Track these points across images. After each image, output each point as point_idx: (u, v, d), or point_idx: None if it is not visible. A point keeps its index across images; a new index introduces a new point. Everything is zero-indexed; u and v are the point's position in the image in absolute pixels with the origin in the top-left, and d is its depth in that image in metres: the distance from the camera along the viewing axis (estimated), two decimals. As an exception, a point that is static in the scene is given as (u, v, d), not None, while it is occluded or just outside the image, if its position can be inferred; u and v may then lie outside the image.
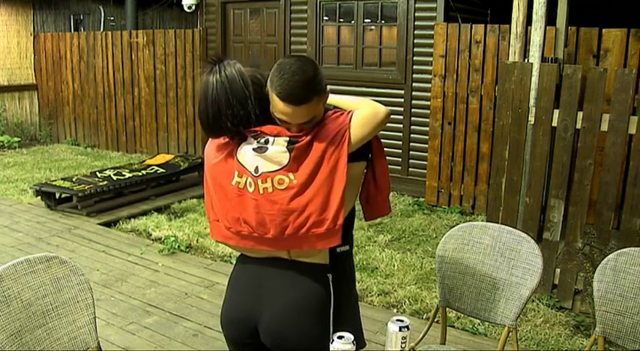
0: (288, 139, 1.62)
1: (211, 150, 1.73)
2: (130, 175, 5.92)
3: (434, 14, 5.82)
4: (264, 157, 1.61)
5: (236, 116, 1.59)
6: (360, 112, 1.66)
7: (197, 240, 4.78)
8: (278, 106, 1.59)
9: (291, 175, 1.60)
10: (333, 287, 1.71)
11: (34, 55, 9.14)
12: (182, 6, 7.96)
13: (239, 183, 1.65)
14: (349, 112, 1.66)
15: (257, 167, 1.62)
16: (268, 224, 1.63)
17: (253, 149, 1.63)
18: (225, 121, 1.60)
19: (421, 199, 5.95)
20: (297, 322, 1.66)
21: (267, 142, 1.62)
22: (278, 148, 1.61)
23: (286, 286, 1.68)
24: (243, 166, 1.64)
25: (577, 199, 3.52)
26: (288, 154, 1.60)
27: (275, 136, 1.63)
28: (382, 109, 1.67)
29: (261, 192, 1.61)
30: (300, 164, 1.60)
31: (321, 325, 1.69)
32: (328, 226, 1.60)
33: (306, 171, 1.59)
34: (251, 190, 1.63)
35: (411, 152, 6.14)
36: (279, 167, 1.60)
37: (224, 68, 1.60)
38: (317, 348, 1.67)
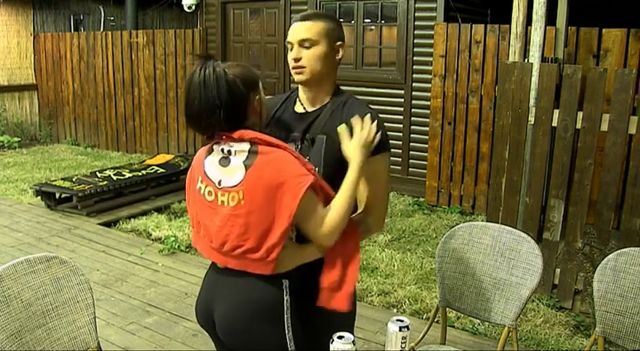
0: (249, 148, 1.58)
1: (200, 149, 1.76)
2: (130, 175, 5.92)
3: (434, 14, 5.82)
4: (225, 171, 1.60)
5: (203, 120, 1.58)
6: (318, 216, 1.58)
7: (197, 240, 4.78)
8: (289, 33, 1.76)
9: (241, 194, 1.57)
10: (290, 292, 1.66)
11: (34, 55, 9.14)
12: (182, 6, 7.97)
13: (200, 189, 1.67)
14: (313, 182, 1.55)
15: (220, 180, 1.61)
16: (213, 234, 1.65)
17: (218, 161, 1.62)
18: (195, 122, 1.62)
19: (421, 199, 5.95)
20: (242, 323, 1.65)
21: (229, 153, 1.60)
22: (237, 162, 1.58)
23: (236, 287, 1.67)
24: (208, 177, 1.65)
25: (577, 199, 3.52)
26: (244, 170, 1.57)
27: (239, 141, 1.59)
28: (325, 235, 1.58)
29: (219, 203, 1.61)
30: (252, 186, 1.56)
31: (269, 328, 1.65)
32: (261, 256, 1.58)
33: (256, 198, 1.56)
34: (210, 199, 1.64)
35: (411, 152, 6.15)
36: (235, 184, 1.58)
37: (205, 69, 1.57)
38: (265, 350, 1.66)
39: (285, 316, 1.65)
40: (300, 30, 1.73)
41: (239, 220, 1.58)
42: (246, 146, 1.59)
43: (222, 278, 1.70)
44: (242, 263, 1.63)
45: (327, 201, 1.62)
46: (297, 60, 1.73)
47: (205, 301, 1.76)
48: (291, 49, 1.75)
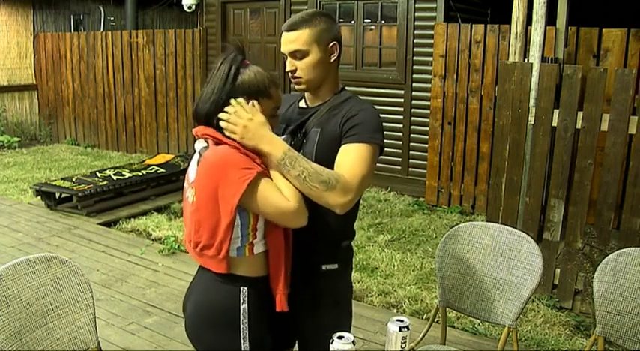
0: (202, 146, 1.62)
1: None
2: (130, 175, 5.92)
3: (434, 14, 5.82)
4: (193, 168, 1.65)
5: (200, 106, 1.62)
6: (274, 194, 1.54)
7: (197, 240, 4.78)
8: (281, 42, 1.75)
9: (194, 191, 1.61)
10: (250, 301, 1.62)
11: (34, 55, 9.14)
12: (182, 6, 7.97)
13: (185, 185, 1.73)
14: (262, 171, 1.55)
15: (189, 176, 1.67)
16: (186, 228, 1.69)
17: (195, 158, 1.67)
18: (196, 110, 1.65)
19: (421, 199, 5.95)
20: (198, 324, 1.66)
21: (197, 149, 1.66)
22: (195, 159, 1.64)
23: (198, 287, 1.70)
24: (189, 173, 1.69)
25: (577, 199, 3.52)
26: (196, 167, 1.62)
27: (198, 137, 1.65)
28: (292, 210, 1.54)
29: (187, 198, 1.67)
30: (200, 183, 1.59)
31: (222, 333, 1.62)
32: (213, 253, 1.58)
33: (203, 193, 1.57)
34: (186, 195, 1.69)
35: (411, 152, 6.14)
36: (192, 180, 1.63)
37: (228, 63, 1.61)
38: None
39: (242, 325, 1.61)
40: (288, 41, 1.72)
41: (194, 216, 1.61)
42: (201, 144, 1.64)
43: (197, 276, 1.73)
44: (203, 260, 1.64)
45: None
46: (291, 72, 1.75)
47: (184, 301, 1.79)
48: (287, 59, 1.77)
